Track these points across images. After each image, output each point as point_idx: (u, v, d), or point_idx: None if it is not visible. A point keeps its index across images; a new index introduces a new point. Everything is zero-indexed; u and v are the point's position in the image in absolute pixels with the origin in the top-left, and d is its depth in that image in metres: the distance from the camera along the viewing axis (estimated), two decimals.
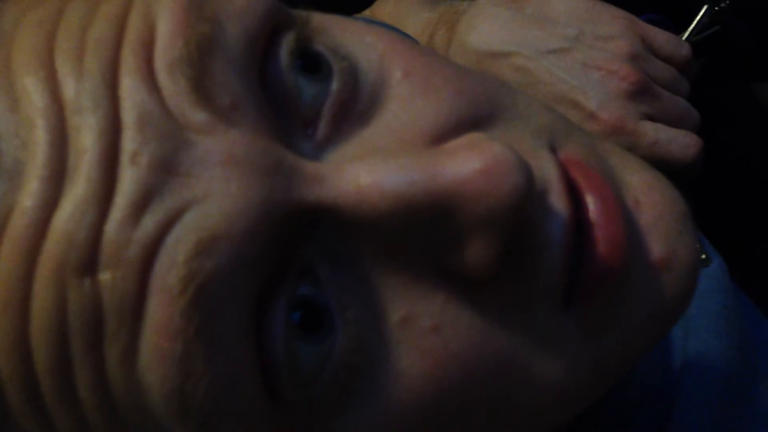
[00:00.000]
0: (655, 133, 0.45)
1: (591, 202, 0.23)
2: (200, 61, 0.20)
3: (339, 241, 0.21)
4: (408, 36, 0.53)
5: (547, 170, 0.23)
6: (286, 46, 0.22)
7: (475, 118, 0.23)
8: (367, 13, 0.63)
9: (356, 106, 0.22)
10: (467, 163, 0.20)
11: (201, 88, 0.20)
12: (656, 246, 0.23)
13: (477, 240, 0.21)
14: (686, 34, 0.52)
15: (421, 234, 0.21)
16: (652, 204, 0.24)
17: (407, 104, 0.23)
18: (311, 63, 0.23)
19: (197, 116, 0.20)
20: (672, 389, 0.36)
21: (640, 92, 0.45)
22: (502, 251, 0.21)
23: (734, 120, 0.56)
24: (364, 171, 0.21)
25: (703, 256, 0.46)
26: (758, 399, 0.38)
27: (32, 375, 0.20)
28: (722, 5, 0.52)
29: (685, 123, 0.47)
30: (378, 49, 0.23)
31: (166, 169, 0.19)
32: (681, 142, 0.45)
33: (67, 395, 0.20)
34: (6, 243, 0.19)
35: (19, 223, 0.19)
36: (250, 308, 0.20)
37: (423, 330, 0.21)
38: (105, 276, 0.19)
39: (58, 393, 0.20)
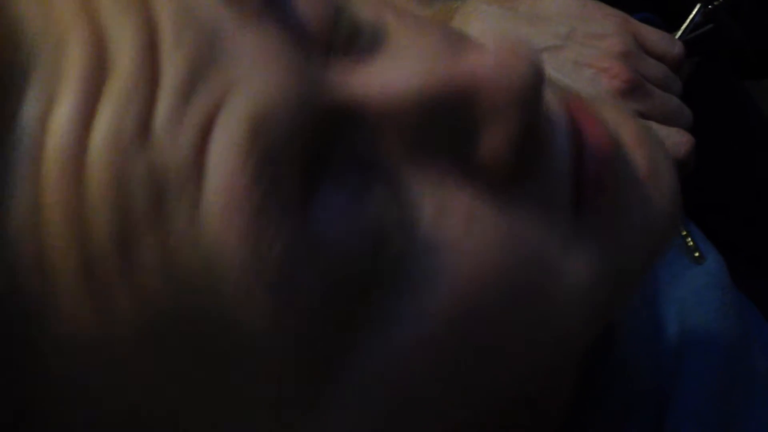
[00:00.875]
0: None
1: (578, 115, 0.25)
2: None
3: (368, 141, 0.22)
4: None
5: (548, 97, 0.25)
6: None
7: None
8: None
9: (362, 37, 0.23)
10: (483, 56, 0.22)
11: None
12: (640, 160, 0.25)
13: (495, 125, 0.22)
14: (679, 33, 0.52)
15: (445, 126, 0.22)
16: (630, 130, 0.26)
17: (409, 34, 0.24)
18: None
19: (227, 14, 0.21)
20: (668, 386, 0.36)
21: (632, 90, 0.45)
22: (518, 139, 0.22)
23: (727, 118, 0.56)
24: (389, 72, 0.22)
25: (697, 254, 0.46)
26: (757, 398, 0.39)
27: (90, 251, 0.19)
28: (715, 4, 0.52)
29: (678, 121, 0.47)
30: (381, 8, 0.25)
31: (208, 56, 0.20)
32: (673, 140, 0.45)
33: (128, 271, 0.19)
34: (51, 142, 0.19)
35: (66, 105, 0.19)
36: (299, 191, 0.20)
37: (456, 224, 0.22)
38: (163, 144, 0.19)
39: (118, 269, 0.19)
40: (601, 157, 0.24)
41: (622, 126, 0.26)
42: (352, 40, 0.23)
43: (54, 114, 0.19)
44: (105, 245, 0.19)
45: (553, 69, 0.45)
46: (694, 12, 0.52)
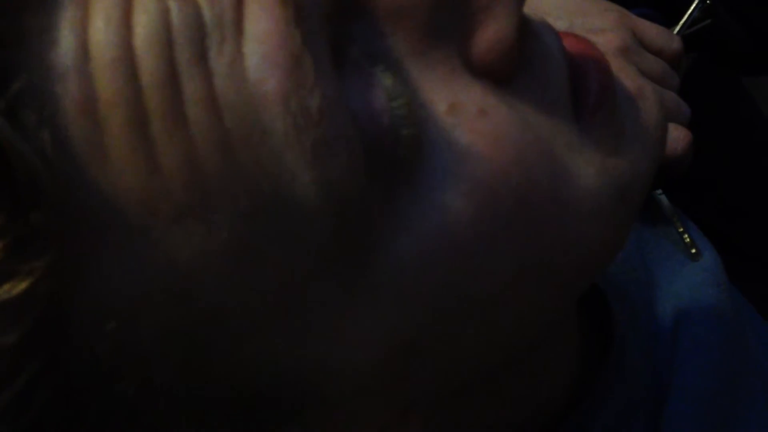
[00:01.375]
0: None
1: (570, 40, 0.26)
2: None
3: (379, 37, 0.22)
4: None
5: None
6: None
7: None
8: None
9: None
10: None
11: None
12: (628, 81, 0.27)
13: (499, 10, 0.23)
14: (677, 28, 0.52)
15: (451, 15, 0.23)
16: (615, 58, 0.29)
17: None
18: None
19: None
20: (665, 382, 0.36)
21: None
22: (518, 27, 0.23)
23: (724, 115, 0.56)
24: None
25: (693, 251, 0.46)
26: (754, 395, 0.38)
27: (138, 91, 0.19)
28: None
29: (675, 117, 0.47)
30: None
31: None
32: (671, 136, 0.45)
33: (175, 112, 0.19)
34: None
35: None
36: (331, 54, 0.20)
37: (472, 114, 0.23)
38: None
39: (165, 110, 0.19)
40: (597, 70, 0.25)
41: (609, 56, 0.27)
42: None
43: None
44: (151, 90, 0.18)
45: None
46: (692, 7, 0.52)
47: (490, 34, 0.23)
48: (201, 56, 0.19)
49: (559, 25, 0.46)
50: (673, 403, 0.35)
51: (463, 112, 0.23)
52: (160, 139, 0.19)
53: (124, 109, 0.18)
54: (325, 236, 0.20)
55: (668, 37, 0.48)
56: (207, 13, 0.19)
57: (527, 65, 0.24)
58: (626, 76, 0.27)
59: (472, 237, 0.22)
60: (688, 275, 0.42)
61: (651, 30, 0.47)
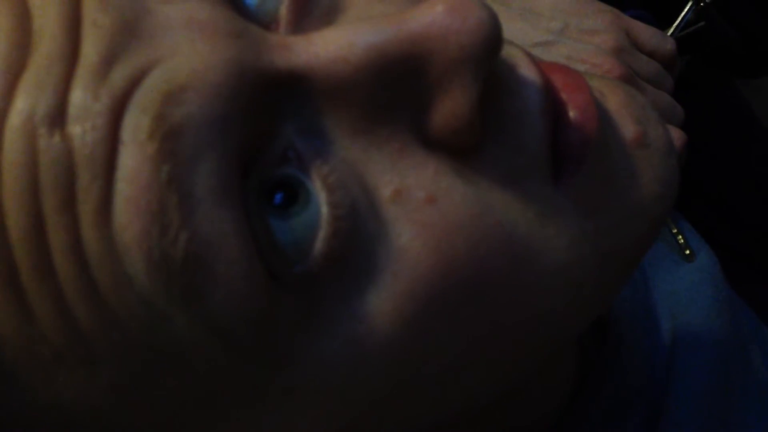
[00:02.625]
0: None
1: (558, 80, 0.23)
2: None
3: (317, 114, 0.21)
4: None
5: (510, 50, 0.23)
6: None
7: None
8: None
9: (314, 12, 0.22)
10: (431, 8, 0.20)
11: None
12: (629, 126, 0.24)
13: (454, 86, 0.20)
14: (671, 30, 0.52)
15: (398, 92, 0.21)
16: (616, 94, 0.24)
17: (371, 4, 0.22)
18: None
19: None
20: (662, 382, 0.36)
21: None
22: (477, 102, 0.20)
23: (718, 116, 0.56)
24: (332, 35, 0.20)
25: (687, 252, 0.46)
26: (750, 393, 0.38)
27: (6, 244, 0.18)
28: (706, 1, 0.52)
29: (669, 118, 0.47)
30: None
31: (129, 32, 0.19)
32: None
33: (42, 264, 0.18)
34: None
35: None
36: (229, 173, 0.19)
37: (418, 202, 0.21)
38: (74, 128, 0.18)
39: (32, 261, 0.18)
40: (580, 121, 0.22)
41: (609, 91, 0.24)
42: (302, 13, 0.22)
43: None
44: (18, 242, 0.18)
45: None
46: (686, 9, 0.52)
47: (445, 111, 0.20)
48: (68, 203, 0.18)
49: (554, 26, 0.46)
50: (672, 403, 0.35)
51: (409, 199, 0.21)
52: (30, 288, 0.19)
53: None
54: (219, 359, 0.20)
55: (662, 39, 0.48)
56: (78, 149, 0.18)
57: (496, 128, 0.22)
58: (629, 115, 0.24)
59: (409, 336, 0.21)
60: (684, 275, 0.41)
61: (645, 31, 0.48)
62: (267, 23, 0.21)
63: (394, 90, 0.20)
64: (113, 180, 0.18)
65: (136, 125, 0.18)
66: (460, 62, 0.20)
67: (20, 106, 0.18)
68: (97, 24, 0.19)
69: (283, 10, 0.21)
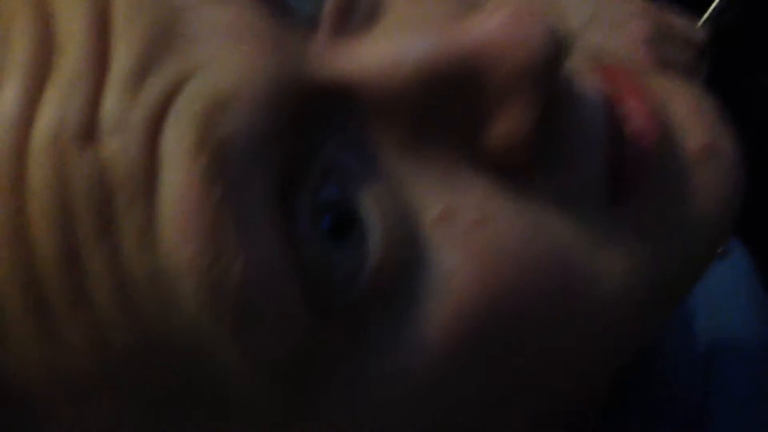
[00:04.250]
0: None
1: (618, 88, 0.21)
2: None
3: (362, 129, 0.19)
4: None
5: (570, 60, 0.21)
6: None
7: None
8: None
9: (357, 12, 0.21)
10: (489, 20, 0.19)
11: None
12: (695, 135, 0.22)
13: (508, 106, 0.19)
14: (703, 19, 0.51)
15: (450, 108, 0.19)
16: (684, 98, 0.23)
17: (413, 5, 0.21)
18: None
19: None
20: (701, 390, 0.34)
21: None
22: (537, 122, 0.19)
23: (750, 110, 0.55)
24: (379, 44, 0.19)
25: (720, 249, 0.45)
26: None
27: (34, 270, 0.17)
28: None
29: None
30: None
31: (165, 36, 0.18)
32: None
33: (76, 293, 0.17)
34: None
35: (7, 96, 0.17)
36: (274, 193, 0.18)
37: (467, 224, 0.19)
38: (109, 143, 0.17)
39: (65, 291, 0.17)
40: (643, 142, 0.21)
41: (674, 95, 0.23)
42: (345, 15, 0.21)
43: None
44: (49, 268, 0.17)
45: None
46: (716, 2, 0.51)
47: (502, 129, 0.19)
48: (105, 226, 0.17)
49: (583, 13, 0.45)
50: (715, 412, 0.33)
51: (457, 221, 0.19)
52: (61, 316, 0.17)
53: (19, 292, 0.17)
54: (261, 388, 0.19)
55: (694, 30, 0.47)
56: (114, 166, 0.17)
57: (552, 145, 0.20)
58: (696, 122, 0.22)
59: (453, 365, 0.20)
60: (719, 272, 0.40)
61: (676, 21, 0.46)
62: (309, 23, 0.20)
63: (444, 105, 0.19)
64: (156, 199, 0.17)
65: (179, 137, 0.17)
66: (519, 80, 0.19)
67: (46, 120, 0.17)
68: (129, 27, 0.17)
69: (326, 11, 0.20)
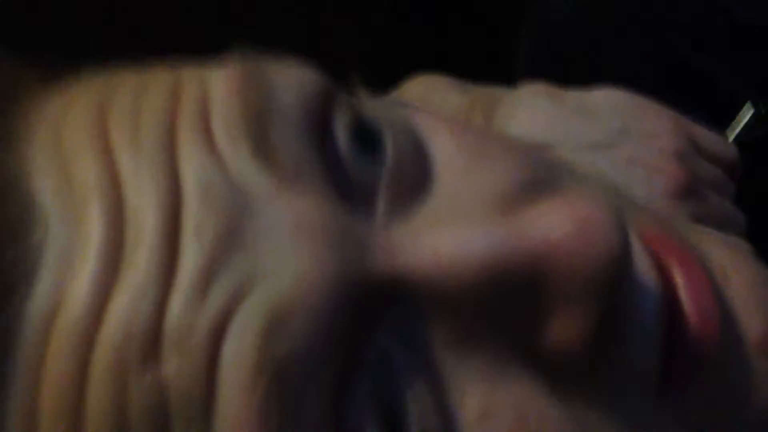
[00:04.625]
0: None
1: (677, 275, 0.21)
2: (260, 123, 0.19)
3: (414, 322, 0.19)
4: None
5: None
6: (342, 120, 0.21)
7: (537, 184, 0.22)
8: (396, 94, 0.62)
9: (412, 179, 0.21)
10: (557, 222, 0.18)
11: (264, 152, 0.19)
12: (755, 322, 0.21)
13: (570, 311, 0.19)
14: (732, 136, 0.51)
15: (507, 307, 0.19)
16: (742, 275, 0.22)
17: (465, 174, 0.21)
18: (366, 138, 0.21)
19: (261, 182, 0.19)
20: None
21: (688, 193, 0.43)
22: (595, 330, 0.19)
23: None
24: (442, 237, 0.19)
25: None
26: None
27: None
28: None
29: (732, 226, 0.45)
30: (427, 122, 0.22)
31: (232, 241, 0.18)
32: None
33: None
34: (56, 341, 0.17)
35: (72, 315, 0.17)
36: (329, 396, 0.18)
37: (507, 421, 0.19)
38: (170, 365, 0.17)
39: None
40: (699, 331, 0.20)
41: (732, 268, 0.22)
42: (398, 181, 0.21)
43: (59, 315, 0.17)
44: None
45: (606, 167, 0.44)
46: (748, 116, 0.51)
47: (560, 333, 0.19)
48: None
49: (614, 126, 0.45)
50: None
51: (496, 420, 0.19)
52: None
53: None
54: None
55: (725, 145, 0.47)
56: (172, 394, 0.17)
57: (609, 342, 0.20)
58: (756, 306, 0.21)
59: None
60: None
61: (707, 137, 0.46)
62: (368, 195, 0.21)
63: (502, 302, 0.19)
64: (214, 423, 0.17)
65: (238, 357, 0.17)
66: (583, 288, 0.18)
67: (111, 335, 0.17)
68: (199, 230, 0.18)
69: (383, 183, 0.21)
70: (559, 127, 0.45)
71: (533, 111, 0.46)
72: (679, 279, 0.20)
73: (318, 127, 0.21)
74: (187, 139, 0.19)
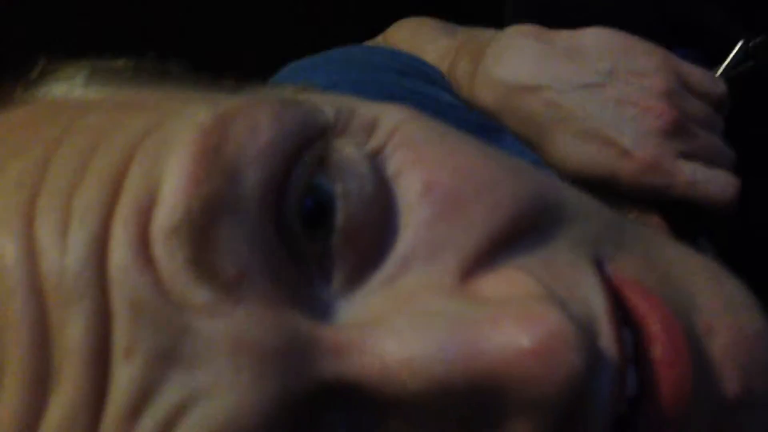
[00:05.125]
0: (693, 173, 0.43)
1: (653, 332, 0.20)
2: (203, 228, 0.18)
3: (363, 415, 0.19)
4: (426, 64, 0.52)
5: (593, 303, 0.20)
6: (297, 189, 0.20)
7: (510, 234, 0.21)
8: (379, 39, 0.61)
9: (367, 244, 0.20)
10: (514, 339, 0.17)
11: (202, 261, 0.18)
12: (731, 381, 0.21)
13: (521, 422, 0.18)
14: (720, 70, 0.51)
15: (456, 414, 0.18)
16: (727, 329, 0.21)
17: (427, 233, 0.20)
18: (318, 210, 0.20)
19: (198, 295, 0.18)
20: None
21: (677, 130, 0.43)
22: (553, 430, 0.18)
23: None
24: (389, 343, 0.18)
25: None
26: None
27: None
28: (756, 41, 0.51)
29: (721, 162, 0.45)
30: (400, 157, 0.21)
31: (166, 362, 0.17)
32: (719, 182, 0.43)
33: None
34: None
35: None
36: None
37: None
38: None
39: None
40: (660, 418, 0.19)
41: (719, 327, 0.21)
42: (351, 249, 0.20)
43: None
44: None
45: (595, 107, 0.44)
46: (735, 49, 0.51)
47: None
48: None
49: (602, 67, 0.45)
50: None
51: None
52: None
53: None
54: None
55: (713, 81, 0.47)
56: None
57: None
58: (735, 364, 0.21)
59: None
60: None
61: (695, 73, 0.46)
62: (324, 263, 0.20)
63: (450, 412, 0.18)
64: None
65: None
66: (536, 409, 0.18)
67: None
68: (129, 354, 0.17)
69: (336, 250, 0.20)
70: (547, 68, 0.45)
71: (521, 53, 0.46)
72: (653, 334, 0.20)
73: (276, 198, 0.19)
74: (119, 245, 0.18)
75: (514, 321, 0.18)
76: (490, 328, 0.18)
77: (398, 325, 0.18)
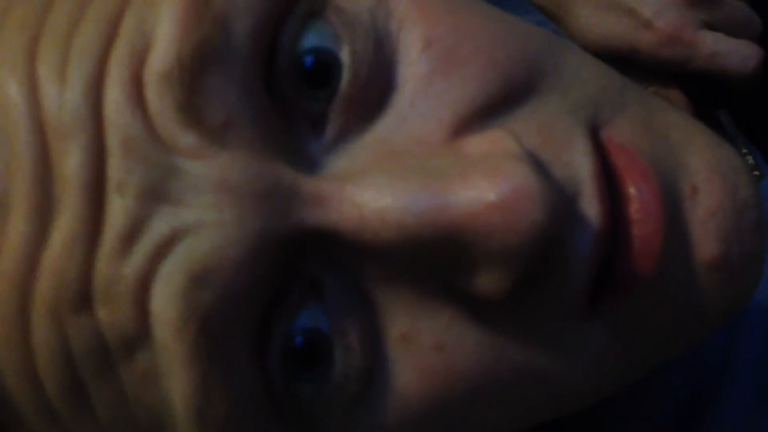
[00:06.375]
0: (714, 43, 0.42)
1: (632, 195, 0.20)
2: (193, 73, 0.19)
3: (343, 257, 0.20)
4: None
5: (579, 166, 0.20)
6: (290, 36, 0.20)
7: (505, 96, 0.21)
8: None
9: (368, 98, 0.21)
10: (481, 193, 0.18)
11: (191, 106, 0.19)
12: (708, 243, 0.21)
13: (490, 271, 0.19)
14: None
15: (428, 262, 0.19)
16: (711, 192, 0.21)
17: (426, 87, 0.20)
18: (319, 72, 0.21)
19: (185, 139, 0.19)
20: (723, 344, 0.34)
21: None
22: (517, 281, 0.19)
23: None
24: (367, 194, 0.19)
25: (756, 173, 0.45)
26: None
27: (45, 397, 0.19)
28: None
29: (746, 31, 0.44)
30: (404, 8, 0.21)
31: (155, 198, 0.18)
32: (741, 54, 0.42)
33: (83, 413, 0.20)
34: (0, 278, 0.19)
35: (10, 258, 0.18)
36: (255, 329, 0.20)
37: (424, 348, 0.20)
38: (101, 313, 0.18)
39: (73, 412, 0.20)
40: (638, 256, 0.20)
41: (704, 190, 0.21)
42: (351, 104, 0.20)
43: (1, 262, 0.18)
44: (57, 399, 0.19)
45: None
46: None
47: (481, 285, 0.19)
48: (105, 371, 0.19)
49: None
50: (732, 366, 0.33)
51: (415, 343, 0.20)
52: (71, 426, 0.20)
53: (33, 406, 0.19)
54: None
55: None
56: (107, 331, 0.19)
57: (533, 278, 0.20)
58: (714, 230, 0.21)
59: None
60: None
61: None
62: (318, 117, 0.21)
63: (422, 260, 0.19)
64: (153, 352, 0.19)
65: (165, 306, 0.18)
66: (501, 257, 0.18)
67: (44, 291, 0.18)
68: (121, 188, 0.18)
69: (335, 106, 0.20)
70: None
71: None
72: (632, 196, 0.20)
73: (268, 44, 0.20)
74: (114, 85, 0.19)
75: (482, 176, 0.18)
76: (459, 183, 0.19)
77: (378, 178, 0.19)
